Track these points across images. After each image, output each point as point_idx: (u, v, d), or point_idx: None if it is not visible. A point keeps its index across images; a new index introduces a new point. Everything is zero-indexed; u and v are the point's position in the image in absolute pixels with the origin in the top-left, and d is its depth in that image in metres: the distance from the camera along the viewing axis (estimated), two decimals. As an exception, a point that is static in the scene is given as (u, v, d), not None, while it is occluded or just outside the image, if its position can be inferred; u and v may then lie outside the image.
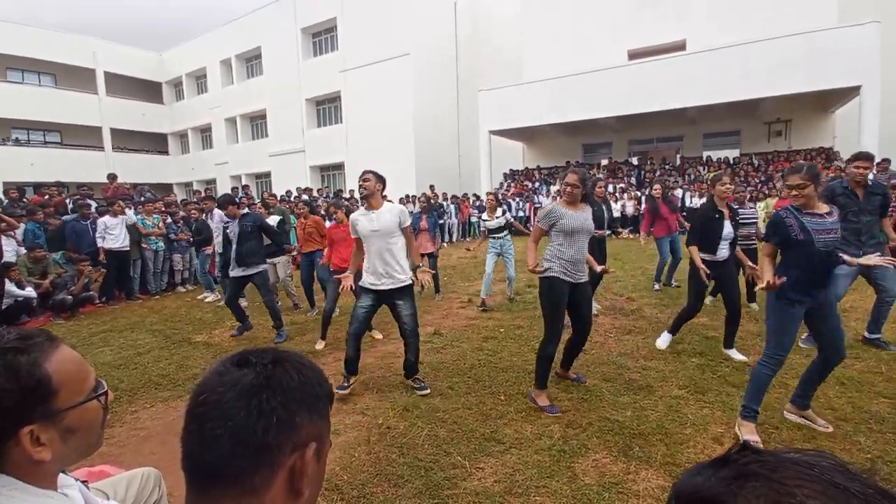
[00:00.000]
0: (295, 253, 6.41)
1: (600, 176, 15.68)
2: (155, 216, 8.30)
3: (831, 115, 15.99)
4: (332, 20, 21.78)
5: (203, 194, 12.58)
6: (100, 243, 7.44)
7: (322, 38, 23.06)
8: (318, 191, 16.44)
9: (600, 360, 4.12)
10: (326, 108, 23.67)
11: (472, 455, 2.71)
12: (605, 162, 18.83)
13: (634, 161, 18.28)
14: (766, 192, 12.77)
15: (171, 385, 4.09)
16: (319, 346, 4.97)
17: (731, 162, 16.30)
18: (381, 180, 3.63)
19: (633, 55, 17.33)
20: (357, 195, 15.80)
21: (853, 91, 12.66)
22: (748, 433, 2.78)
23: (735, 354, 4.06)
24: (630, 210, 14.86)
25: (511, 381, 3.74)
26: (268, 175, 25.49)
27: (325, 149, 22.74)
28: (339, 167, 23.07)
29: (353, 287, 3.77)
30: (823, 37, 12.68)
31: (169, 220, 8.58)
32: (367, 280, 3.61)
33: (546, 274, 3.23)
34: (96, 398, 0.87)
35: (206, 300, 7.54)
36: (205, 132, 28.99)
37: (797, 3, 14.31)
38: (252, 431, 0.58)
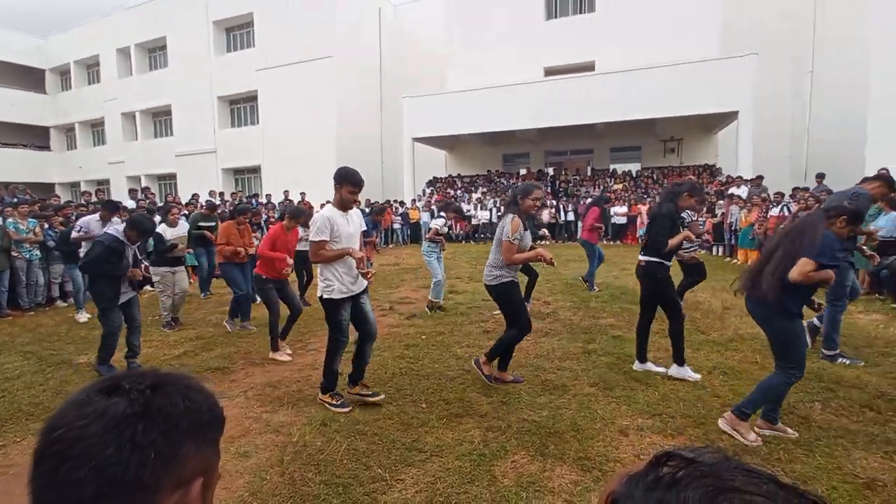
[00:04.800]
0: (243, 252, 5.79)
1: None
2: (30, 220, 7.26)
3: (714, 136, 18.07)
4: (249, 15, 20.70)
5: (93, 196, 11.27)
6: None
7: (237, 32, 21.80)
8: (231, 195, 15.41)
9: (518, 363, 4.25)
10: (242, 108, 22.36)
11: (392, 466, 2.65)
12: (523, 171, 19.68)
13: (550, 171, 19.30)
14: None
15: (45, 414, 3.57)
16: (286, 357, 4.67)
17: (634, 175, 17.78)
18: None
19: (549, 72, 18.35)
20: (274, 201, 15.16)
21: (732, 115, 14.41)
22: (747, 430, 2.85)
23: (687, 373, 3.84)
24: (546, 218, 15.64)
25: (433, 389, 3.73)
26: (173, 177, 23.46)
27: (240, 151, 21.44)
28: (254, 170, 21.85)
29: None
30: (708, 66, 14.34)
31: (47, 225, 7.53)
32: (345, 287, 3.36)
33: (504, 280, 3.58)
34: None
35: (81, 320, 6.56)
36: (96, 127, 26.08)
37: (688, 34, 16.02)
38: (124, 469, 0.50)
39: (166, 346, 5.23)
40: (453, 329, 5.41)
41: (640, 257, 3.94)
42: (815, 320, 4.48)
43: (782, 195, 10.53)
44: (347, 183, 3.34)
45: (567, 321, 5.67)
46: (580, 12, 18.58)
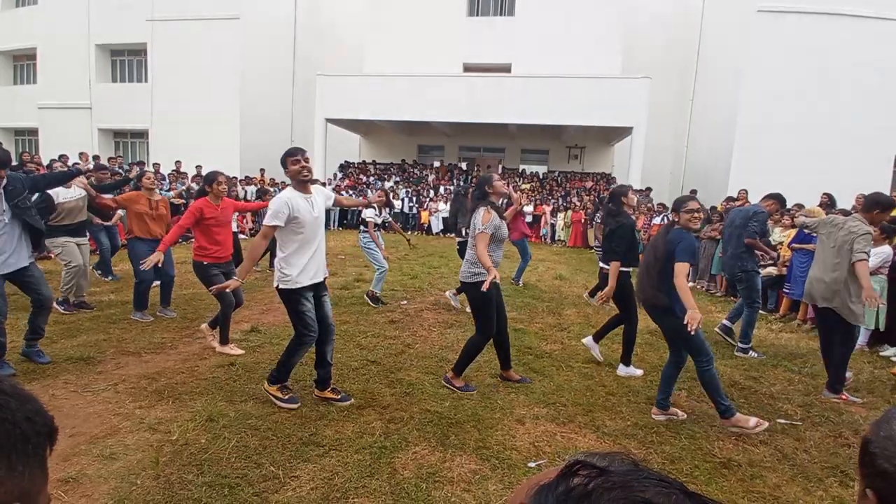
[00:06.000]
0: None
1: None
2: None
3: (612, 147, 19.74)
4: (139, -45, 18.18)
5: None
6: None
7: (122, -27, 19.06)
8: (109, 160, 13.52)
9: (423, 354, 4.27)
10: (126, 62, 19.64)
11: (286, 463, 2.50)
12: (437, 164, 19.84)
13: (464, 166, 19.69)
14: (566, 205, 15.17)
15: None
16: (237, 351, 4.08)
17: (541, 176, 18.81)
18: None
19: (468, 68, 18.63)
20: (163, 171, 13.61)
21: (628, 130, 15.83)
22: (745, 422, 3.01)
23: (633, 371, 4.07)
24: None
25: (334, 380, 3.58)
26: (34, 132, 19.97)
27: (123, 110, 18.81)
28: (140, 134, 19.38)
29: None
30: (609, 83, 15.61)
31: None
32: (307, 278, 3.06)
33: (483, 278, 3.25)
34: None
35: None
36: (-69, 63, 21.28)
37: (594, 50, 17.25)
38: None
39: (15, 330, 4.43)
40: (359, 318, 5.28)
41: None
42: (726, 322, 5.14)
43: (665, 206, 11.82)
44: (287, 157, 3.05)
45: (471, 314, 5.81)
46: (500, 14, 19.10)
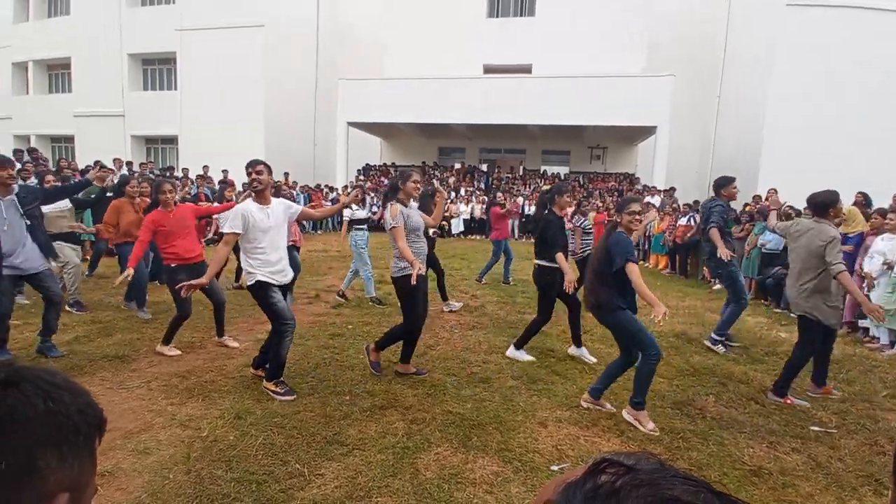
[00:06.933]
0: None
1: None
2: None
3: (635, 147, 19.42)
4: (168, -32, 18.82)
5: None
6: None
7: (154, -15, 19.74)
8: (141, 165, 14.00)
9: (446, 356, 4.28)
10: (157, 70, 20.31)
11: (311, 461, 2.55)
12: (457, 165, 19.87)
13: (484, 168, 19.66)
14: (588, 207, 14.93)
15: None
16: (173, 352, 4.14)
17: (563, 177, 18.64)
18: (271, 171, 3.40)
19: (488, 69, 18.63)
20: (191, 175, 14.01)
21: (651, 129, 15.55)
22: (646, 421, 3.10)
23: (584, 354, 4.34)
24: (478, 213, 15.93)
25: (357, 380, 3.64)
26: (70, 139, 20.83)
27: (154, 117, 19.45)
28: (170, 140, 20.00)
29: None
30: (633, 82, 15.37)
31: None
32: (272, 278, 3.33)
33: (408, 273, 3.41)
34: None
35: None
36: (-25, 75, 22.43)
37: (616, 49, 17.03)
38: None
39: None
40: (381, 320, 5.33)
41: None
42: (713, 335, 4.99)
43: (690, 206, 11.55)
44: (248, 167, 3.31)
45: (494, 315, 5.80)
46: (521, 14, 19.03)
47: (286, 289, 3.51)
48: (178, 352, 4.16)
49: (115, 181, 6.71)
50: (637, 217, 3.20)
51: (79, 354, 3.95)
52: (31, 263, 3.79)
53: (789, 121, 13.30)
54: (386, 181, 18.59)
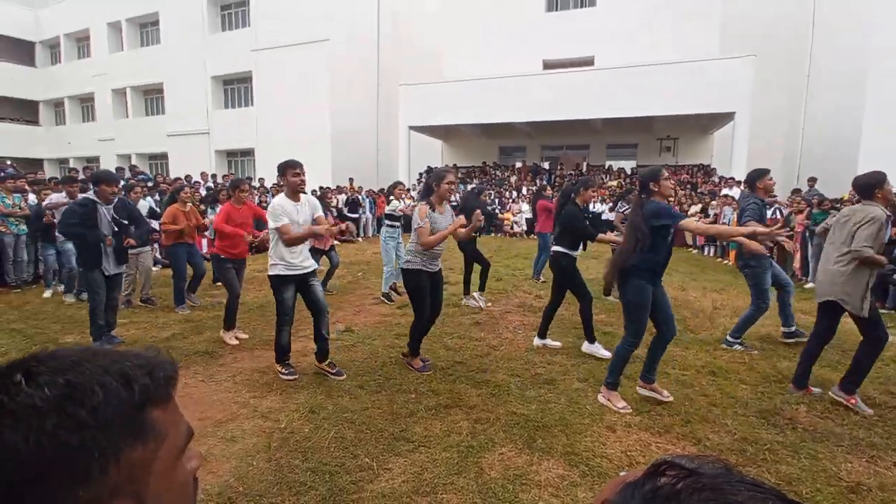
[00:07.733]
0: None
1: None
2: (16, 195, 7.09)
3: (710, 136, 18.12)
4: (244, -6, 20.29)
5: (81, 174, 11.05)
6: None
7: (232, 11, 21.38)
8: (224, 177, 15.21)
9: (509, 357, 4.26)
10: (236, 89, 21.98)
11: (380, 456, 2.65)
12: (518, 164, 19.64)
13: (546, 166, 19.27)
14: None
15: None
16: (234, 341, 4.64)
17: (629, 172, 17.81)
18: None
19: (548, 65, 18.24)
20: (267, 185, 15.00)
21: (729, 116, 14.44)
22: (617, 400, 3.27)
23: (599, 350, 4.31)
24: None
25: (422, 379, 3.72)
26: (164, 157, 23.10)
27: (234, 132, 21.10)
28: (248, 153, 21.55)
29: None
30: (707, 66, 14.31)
31: (33, 199, 7.36)
32: (291, 269, 3.64)
33: (412, 266, 3.75)
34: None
35: (68, 301, 6.44)
36: (86, 102, 25.53)
37: (687, 32, 15.98)
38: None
39: (154, 327, 5.17)
40: (445, 320, 5.39)
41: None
42: (784, 329, 4.69)
43: (775, 197, 10.58)
44: (287, 167, 3.57)
45: (558, 316, 5.65)
46: (581, 6, 18.45)
47: (306, 280, 3.73)
48: (237, 341, 4.62)
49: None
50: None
51: (176, 350, 4.37)
52: (110, 268, 4.50)
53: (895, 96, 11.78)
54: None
